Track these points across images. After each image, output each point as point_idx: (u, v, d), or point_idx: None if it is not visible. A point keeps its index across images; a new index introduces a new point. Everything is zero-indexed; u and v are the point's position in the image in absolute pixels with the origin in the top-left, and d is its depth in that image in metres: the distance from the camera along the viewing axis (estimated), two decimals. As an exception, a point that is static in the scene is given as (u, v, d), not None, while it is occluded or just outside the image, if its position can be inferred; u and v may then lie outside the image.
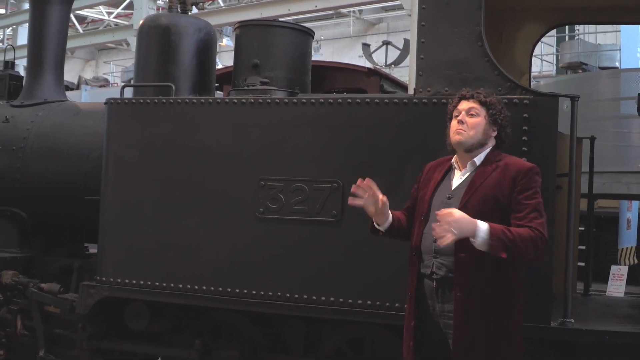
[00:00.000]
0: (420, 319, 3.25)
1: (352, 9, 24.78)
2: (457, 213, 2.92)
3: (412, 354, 3.24)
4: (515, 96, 3.75)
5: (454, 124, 3.26)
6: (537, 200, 3.10)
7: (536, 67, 18.77)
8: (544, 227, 3.05)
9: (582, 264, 5.39)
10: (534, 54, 5.76)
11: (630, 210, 11.43)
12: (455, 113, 3.27)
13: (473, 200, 3.11)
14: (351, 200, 3.26)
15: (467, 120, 3.21)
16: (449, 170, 3.33)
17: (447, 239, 2.90)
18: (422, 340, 3.25)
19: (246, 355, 4.52)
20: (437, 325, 3.23)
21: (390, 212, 3.32)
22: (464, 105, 3.25)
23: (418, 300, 3.25)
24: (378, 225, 3.33)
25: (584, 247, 5.62)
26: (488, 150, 3.26)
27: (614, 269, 5.39)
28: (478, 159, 3.24)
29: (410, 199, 3.47)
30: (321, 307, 4.05)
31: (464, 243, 3.02)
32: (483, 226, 2.93)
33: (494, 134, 3.26)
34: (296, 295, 4.09)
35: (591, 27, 19.16)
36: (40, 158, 5.40)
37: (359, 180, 3.23)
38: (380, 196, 3.21)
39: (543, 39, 5.96)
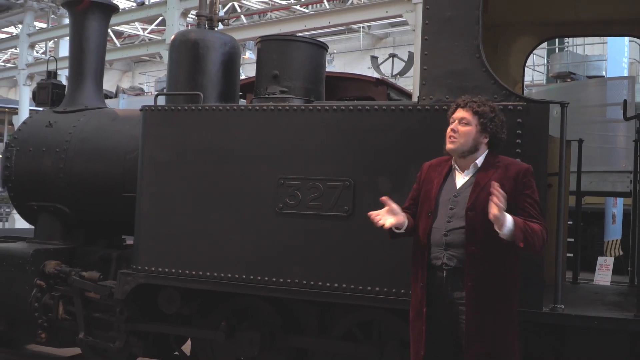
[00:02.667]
0: (430, 306, 3.24)
1: (361, 25, 24.75)
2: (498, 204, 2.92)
3: (425, 338, 3.23)
4: (510, 103, 3.74)
5: (448, 131, 3.26)
6: (537, 199, 3.18)
7: (528, 76, 18.68)
8: (545, 222, 3.18)
9: (571, 254, 5.36)
10: (527, 64, 5.74)
11: (615, 206, 11.39)
12: (450, 120, 3.27)
13: (480, 199, 3.11)
14: (388, 225, 3.21)
15: (459, 129, 3.21)
16: (450, 170, 3.32)
17: (494, 211, 2.90)
18: (431, 326, 3.24)
19: (266, 336, 4.53)
20: (447, 312, 3.22)
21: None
22: (457, 114, 3.24)
23: (428, 289, 3.24)
24: (397, 229, 3.28)
25: (572, 240, 5.59)
26: (486, 153, 3.26)
27: (600, 259, 5.36)
28: (479, 161, 3.24)
29: (410, 199, 3.45)
30: (334, 292, 4.05)
31: (474, 238, 3.08)
32: (509, 217, 2.97)
33: (485, 140, 3.24)
34: (311, 282, 4.09)
35: (579, 39, 19.01)
36: (82, 159, 5.42)
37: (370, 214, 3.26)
38: (392, 205, 3.21)
39: (535, 51, 5.93)
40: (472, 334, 3.11)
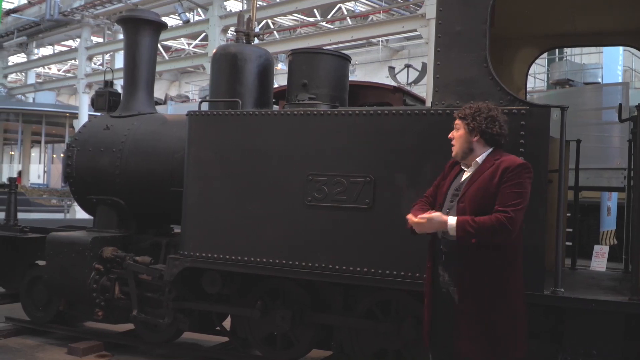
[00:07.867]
0: (434, 285, 3.22)
1: (380, 39, 24.67)
2: (434, 214, 2.97)
3: (430, 313, 3.22)
4: (514, 107, 3.70)
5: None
6: (517, 190, 2.94)
7: (530, 83, 18.46)
8: (517, 212, 2.90)
9: (570, 243, 5.29)
10: (529, 72, 5.68)
11: (610, 200, 11.21)
12: None
13: (470, 192, 3.05)
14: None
15: (454, 135, 3.20)
16: (462, 169, 3.29)
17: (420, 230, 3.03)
18: (436, 303, 3.21)
19: (296, 314, 4.56)
20: (446, 291, 3.16)
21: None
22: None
23: (434, 270, 3.22)
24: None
25: (571, 230, 5.51)
26: (490, 151, 3.15)
27: (596, 248, 5.27)
28: (480, 159, 3.15)
29: (433, 187, 3.37)
30: (356, 275, 4.05)
31: None
32: (452, 221, 2.93)
33: (476, 138, 3.12)
34: (336, 267, 4.10)
35: (577, 49, 18.71)
36: (135, 158, 5.47)
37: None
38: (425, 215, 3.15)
39: (536, 60, 5.87)
40: (464, 320, 3.01)
